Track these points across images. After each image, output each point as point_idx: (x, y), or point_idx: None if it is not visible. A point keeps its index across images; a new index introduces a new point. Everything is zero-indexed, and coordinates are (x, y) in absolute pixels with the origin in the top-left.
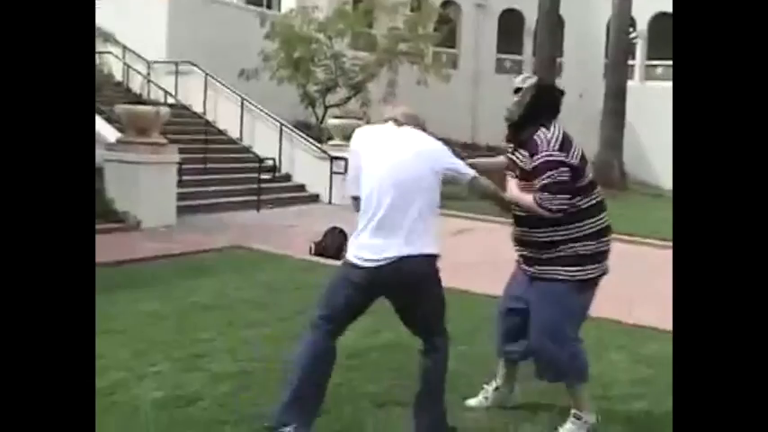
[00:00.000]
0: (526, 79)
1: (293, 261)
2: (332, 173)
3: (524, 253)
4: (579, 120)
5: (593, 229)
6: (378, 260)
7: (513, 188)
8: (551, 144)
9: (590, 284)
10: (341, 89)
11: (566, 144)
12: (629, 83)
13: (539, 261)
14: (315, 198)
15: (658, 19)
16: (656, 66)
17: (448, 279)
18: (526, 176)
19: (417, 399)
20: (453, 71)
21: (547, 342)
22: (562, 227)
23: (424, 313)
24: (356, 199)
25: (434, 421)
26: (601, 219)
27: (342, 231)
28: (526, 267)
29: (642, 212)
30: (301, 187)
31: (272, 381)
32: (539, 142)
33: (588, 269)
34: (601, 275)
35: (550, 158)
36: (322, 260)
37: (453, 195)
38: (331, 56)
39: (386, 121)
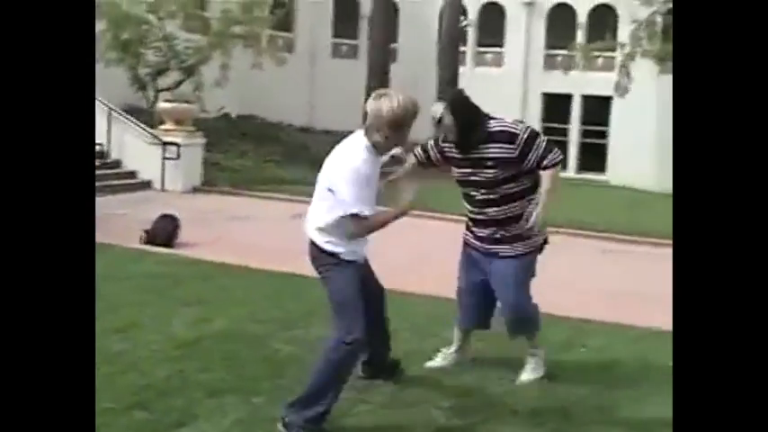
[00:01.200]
0: (438, 106)
1: (122, 250)
2: (164, 158)
3: (486, 233)
4: None
5: (534, 202)
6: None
7: (545, 181)
8: (517, 124)
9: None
10: (173, 72)
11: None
12: (462, 69)
13: (504, 239)
14: (146, 185)
15: (488, 8)
16: (485, 53)
17: (280, 263)
18: (508, 164)
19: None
20: (289, 55)
21: (527, 303)
22: (524, 200)
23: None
24: None
25: (298, 421)
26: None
27: (173, 218)
28: (489, 246)
29: None
30: (132, 174)
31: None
32: (508, 128)
33: (539, 236)
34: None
35: (528, 130)
36: (152, 248)
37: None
38: (162, 38)
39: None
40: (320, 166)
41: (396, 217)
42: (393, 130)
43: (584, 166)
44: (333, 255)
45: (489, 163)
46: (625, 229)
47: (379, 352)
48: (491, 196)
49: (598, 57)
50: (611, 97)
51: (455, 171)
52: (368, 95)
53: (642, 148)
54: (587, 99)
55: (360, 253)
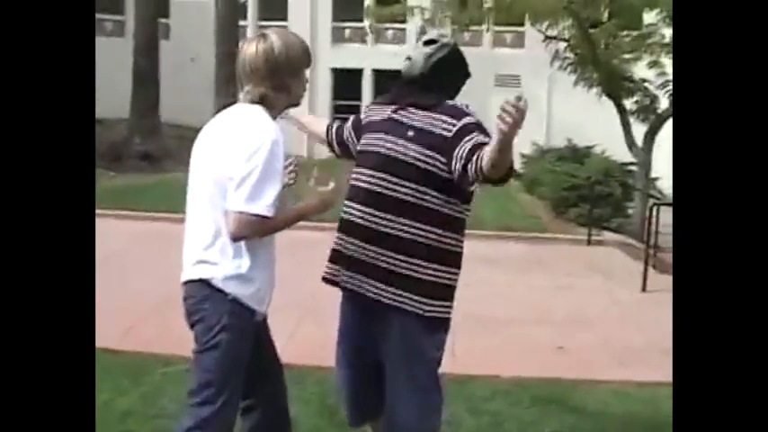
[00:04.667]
0: (442, 36)
1: None
2: None
3: (367, 256)
4: (192, 86)
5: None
6: None
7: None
8: (477, 116)
9: None
10: None
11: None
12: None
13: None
14: None
15: None
16: (267, 27)
17: None
18: (434, 143)
19: None
20: None
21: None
22: (433, 230)
23: None
24: None
25: None
26: None
27: None
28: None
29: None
30: None
31: None
32: (463, 108)
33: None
34: None
35: (481, 125)
36: None
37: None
38: None
39: None
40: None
41: (310, 213)
42: (286, 74)
43: None
44: (226, 295)
45: (411, 133)
46: None
47: None
48: (391, 192)
49: (388, 29)
50: None
51: (360, 143)
52: (136, 77)
53: None
54: (379, 74)
55: (267, 296)
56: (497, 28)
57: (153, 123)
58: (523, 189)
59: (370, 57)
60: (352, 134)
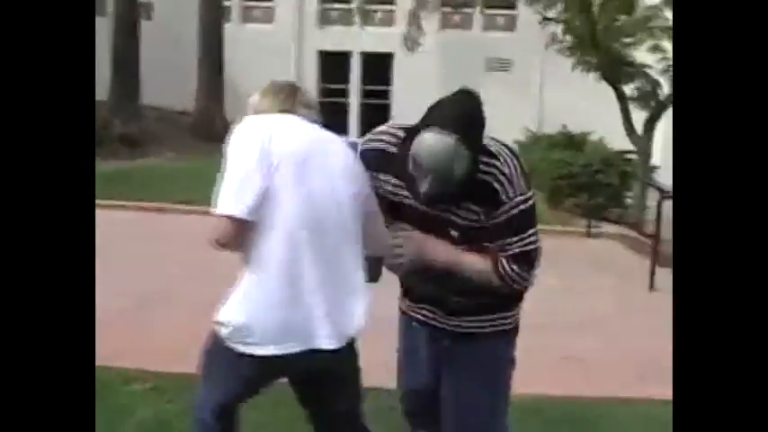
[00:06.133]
0: (433, 138)
1: None
2: None
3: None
4: (173, 68)
5: None
6: None
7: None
8: (515, 178)
9: None
10: None
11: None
12: (227, 26)
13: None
14: None
15: None
16: (253, 8)
17: None
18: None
19: None
20: None
21: None
22: None
23: None
24: None
25: None
26: None
27: None
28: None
29: None
30: None
31: None
32: (499, 184)
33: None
34: None
35: (526, 206)
36: None
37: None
38: None
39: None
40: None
41: None
42: None
43: (366, 129)
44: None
45: (453, 232)
46: None
47: None
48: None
49: (376, 11)
50: (392, 54)
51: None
52: (115, 58)
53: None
54: (367, 56)
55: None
56: (488, 11)
57: (134, 106)
58: None
59: (358, 39)
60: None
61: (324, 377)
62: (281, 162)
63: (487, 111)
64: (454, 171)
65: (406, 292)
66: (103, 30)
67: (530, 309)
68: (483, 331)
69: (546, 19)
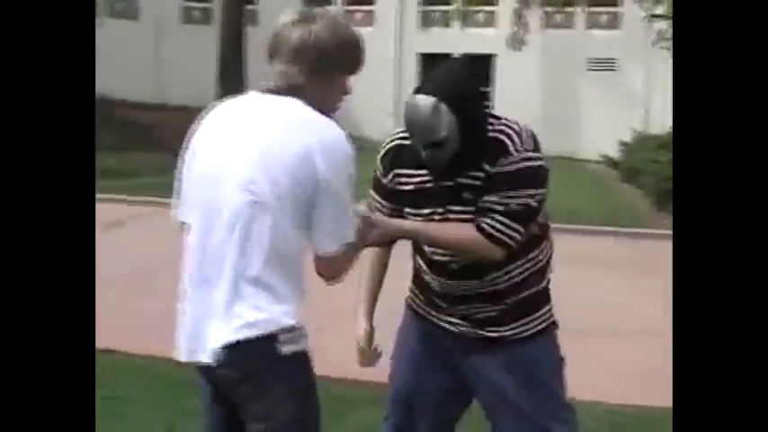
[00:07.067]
0: (423, 99)
1: None
2: None
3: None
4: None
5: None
6: None
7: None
8: (524, 134)
9: None
10: None
11: (535, 137)
12: None
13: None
14: None
15: None
16: (355, 11)
17: None
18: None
19: None
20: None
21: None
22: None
23: None
24: None
25: None
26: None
27: None
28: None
29: None
30: None
31: None
32: (506, 138)
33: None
34: None
35: (534, 163)
36: None
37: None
38: None
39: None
40: (174, 152)
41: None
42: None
43: None
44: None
45: (467, 194)
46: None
47: None
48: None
49: (478, 11)
50: (493, 55)
51: (408, 210)
52: (222, 66)
53: (530, 111)
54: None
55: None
56: (592, 9)
57: None
58: (621, 178)
59: (459, 41)
60: (381, 198)
61: None
62: None
63: (589, 110)
64: (436, 130)
65: (429, 303)
66: (211, 38)
67: (642, 313)
68: (514, 337)
69: (653, 16)
